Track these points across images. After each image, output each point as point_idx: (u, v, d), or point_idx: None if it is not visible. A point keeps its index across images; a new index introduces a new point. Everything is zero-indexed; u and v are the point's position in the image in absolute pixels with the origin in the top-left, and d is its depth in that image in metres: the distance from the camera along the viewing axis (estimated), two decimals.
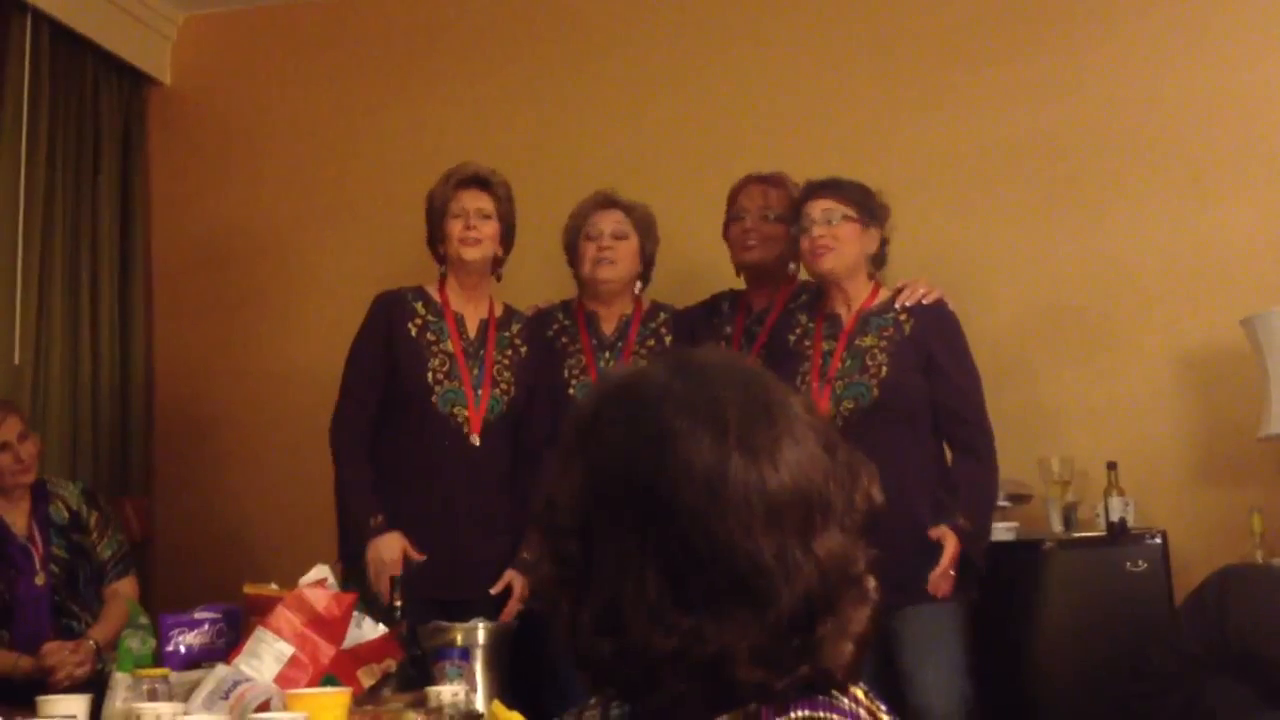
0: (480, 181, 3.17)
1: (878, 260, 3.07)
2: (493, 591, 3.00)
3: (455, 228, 3.12)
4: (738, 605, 0.94)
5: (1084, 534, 3.41)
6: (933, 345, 2.96)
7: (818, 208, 2.99)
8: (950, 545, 2.81)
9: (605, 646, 0.96)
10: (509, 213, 3.20)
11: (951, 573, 2.82)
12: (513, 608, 3.01)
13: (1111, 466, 3.42)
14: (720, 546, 0.94)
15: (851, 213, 2.98)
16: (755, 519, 0.94)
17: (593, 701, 1.01)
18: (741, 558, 0.93)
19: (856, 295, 3.03)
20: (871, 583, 0.99)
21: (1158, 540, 3.26)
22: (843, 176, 3.05)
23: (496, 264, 3.22)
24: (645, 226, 3.27)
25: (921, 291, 3.02)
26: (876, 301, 3.03)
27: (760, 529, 0.94)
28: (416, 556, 2.97)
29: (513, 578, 3.03)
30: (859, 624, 0.98)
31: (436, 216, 3.17)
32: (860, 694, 0.97)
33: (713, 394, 0.99)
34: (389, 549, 2.96)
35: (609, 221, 3.23)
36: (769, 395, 1.00)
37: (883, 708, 0.97)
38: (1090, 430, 3.68)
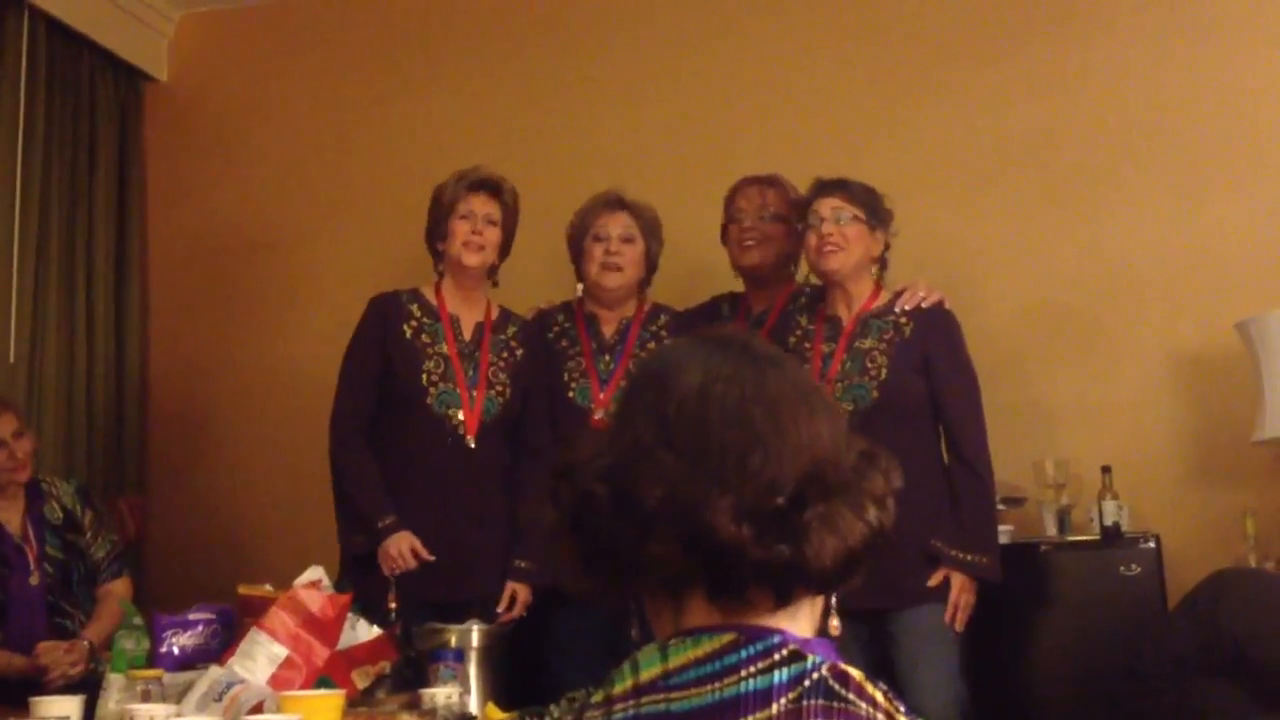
0: (492, 187, 3.16)
1: (879, 265, 3.05)
2: (500, 609, 2.99)
3: (461, 229, 3.11)
4: (725, 462, 0.98)
5: (1078, 537, 3.42)
6: (931, 347, 2.96)
7: (827, 205, 2.97)
8: (956, 584, 2.83)
9: (602, 490, 1.00)
10: (512, 222, 3.20)
11: (969, 597, 2.84)
12: (517, 613, 3.01)
13: (1106, 470, 3.42)
14: (711, 422, 1.00)
15: (860, 214, 2.97)
16: (755, 409, 1.01)
17: (598, 698, 1.01)
18: (732, 430, 0.99)
19: (858, 297, 3.02)
20: (873, 511, 1.02)
21: (1151, 544, 3.26)
22: (848, 177, 3.04)
23: (491, 270, 3.21)
24: (652, 229, 3.25)
25: (921, 294, 3.01)
26: (876, 304, 3.02)
27: (761, 415, 1.00)
28: (427, 556, 2.96)
29: (515, 589, 3.03)
30: (852, 534, 1.00)
31: (443, 213, 3.15)
32: (880, 697, 0.96)
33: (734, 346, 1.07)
34: (397, 545, 2.95)
35: (617, 224, 3.21)
36: (797, 372, 1.07)
37: (901, 709, 0.97)
38: (1084, 432, 3.68)
